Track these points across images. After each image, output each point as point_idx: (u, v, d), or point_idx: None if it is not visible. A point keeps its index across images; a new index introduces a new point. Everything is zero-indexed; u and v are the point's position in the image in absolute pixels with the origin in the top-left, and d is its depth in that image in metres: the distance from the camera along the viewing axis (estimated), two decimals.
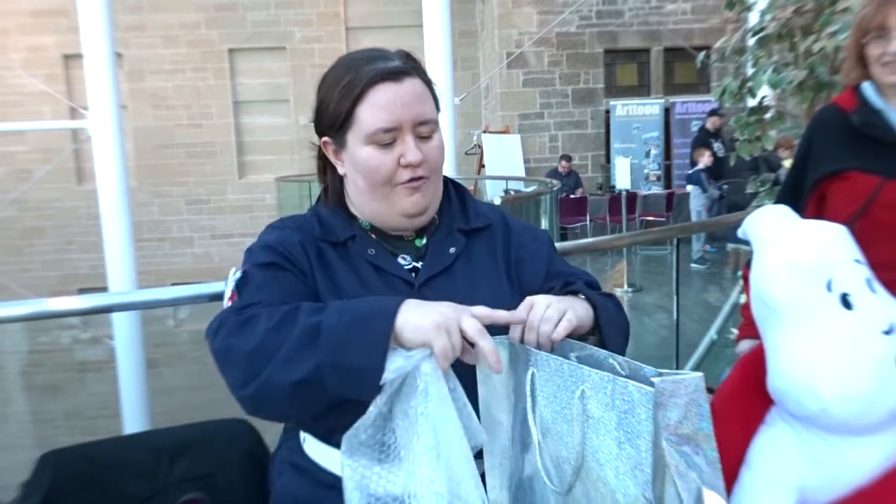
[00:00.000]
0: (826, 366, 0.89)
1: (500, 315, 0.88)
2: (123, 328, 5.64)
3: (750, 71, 2.88)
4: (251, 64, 12.80)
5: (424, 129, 1.02)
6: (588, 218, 9.65)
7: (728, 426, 1.01)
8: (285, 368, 0.85)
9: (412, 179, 1.02)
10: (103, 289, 8.24)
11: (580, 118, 11.54)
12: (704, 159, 8.35)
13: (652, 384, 0.74)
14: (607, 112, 11.26)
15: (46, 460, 1.50)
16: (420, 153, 1.01)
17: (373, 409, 0.81)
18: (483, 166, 10.84)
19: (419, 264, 1.08)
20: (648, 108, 10.83)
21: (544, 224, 7.16)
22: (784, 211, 0.98)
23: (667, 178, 10.99)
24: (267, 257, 1.02)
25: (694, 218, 8.46)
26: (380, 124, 0.99)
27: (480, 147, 11.03)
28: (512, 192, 9.03)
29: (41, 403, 6.73)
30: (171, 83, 12.74)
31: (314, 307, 0.90)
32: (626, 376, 0.80)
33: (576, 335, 0.92)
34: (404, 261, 1.08)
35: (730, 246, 7.77)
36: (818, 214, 1.55)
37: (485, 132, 11.36)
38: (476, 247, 1.12)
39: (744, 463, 0.98)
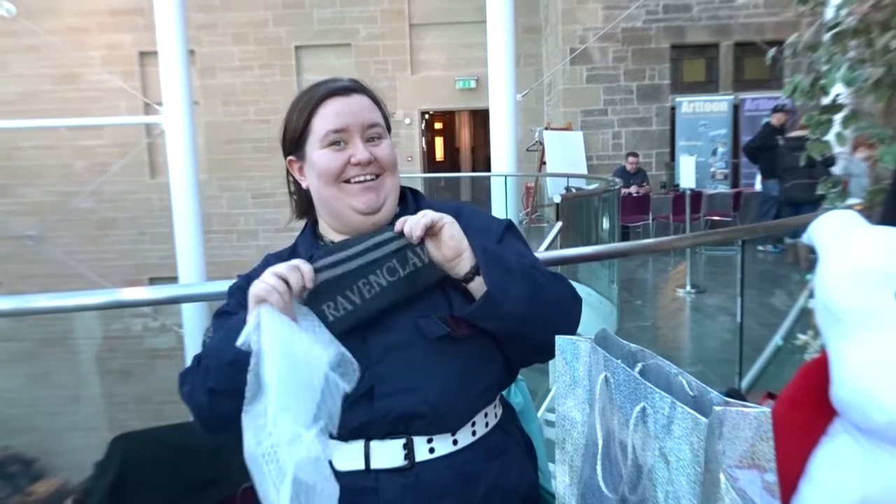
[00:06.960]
0: (894, 377, 0.86)
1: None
2: (192, 317, 5.83)
3: (823, 68, 2.78)
4: (317, 61, 13.03)
5: (373, 132, 1.15)
6: (651, 216, 9.48)
7: (789, 437, 0.98)
8: (200, 389, 1.07)
9: (363, 180, 1.14)
10: (174, 278, 8.56)
11: (645, 115, 11.34)
12: None
13: (710, 413, 0.73)
14: (673, 109, 11.01)
15: (117, 443, 1.58)
16: (368, 153, 1.13)
17: (250, 376, 0.89)
18: (544, 163, 10.78)
19: None
20: (716, 105, 10.52)
21: (605, 223, 7.04)
22: (849, 215, 0.94)
23: (734, 176, 10.68)
24: (225, 305, 1.21)
25: None
26: (329, 126, 1.13)
27: (542, 144, 10.96)
28: (573, 190, 8.94)
29: (114, 387, 7.02)
30: (240, 79, 13.11)
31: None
32: (693, 396, 0.78)
33: (451, 262, 1.06)
34: None
35: (787, 240, 7.49)
36: None
37: (546, 129, 11.28)
38: None
39: (804, 475, 0.95)
